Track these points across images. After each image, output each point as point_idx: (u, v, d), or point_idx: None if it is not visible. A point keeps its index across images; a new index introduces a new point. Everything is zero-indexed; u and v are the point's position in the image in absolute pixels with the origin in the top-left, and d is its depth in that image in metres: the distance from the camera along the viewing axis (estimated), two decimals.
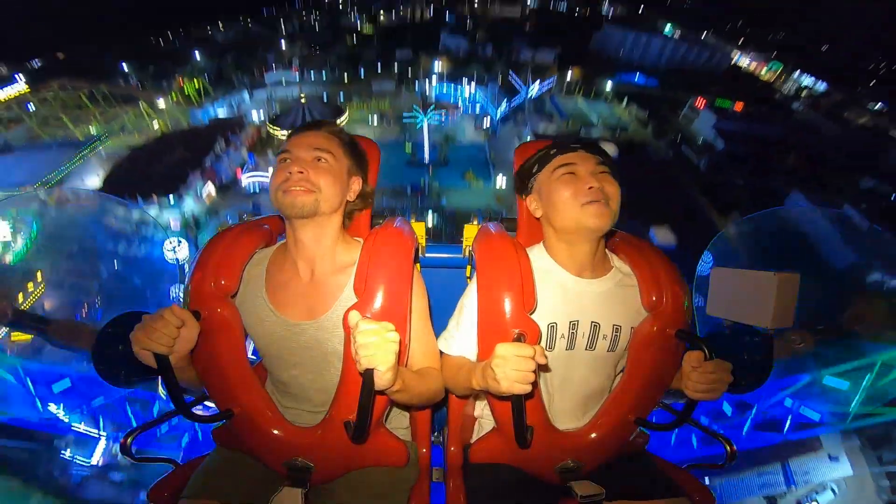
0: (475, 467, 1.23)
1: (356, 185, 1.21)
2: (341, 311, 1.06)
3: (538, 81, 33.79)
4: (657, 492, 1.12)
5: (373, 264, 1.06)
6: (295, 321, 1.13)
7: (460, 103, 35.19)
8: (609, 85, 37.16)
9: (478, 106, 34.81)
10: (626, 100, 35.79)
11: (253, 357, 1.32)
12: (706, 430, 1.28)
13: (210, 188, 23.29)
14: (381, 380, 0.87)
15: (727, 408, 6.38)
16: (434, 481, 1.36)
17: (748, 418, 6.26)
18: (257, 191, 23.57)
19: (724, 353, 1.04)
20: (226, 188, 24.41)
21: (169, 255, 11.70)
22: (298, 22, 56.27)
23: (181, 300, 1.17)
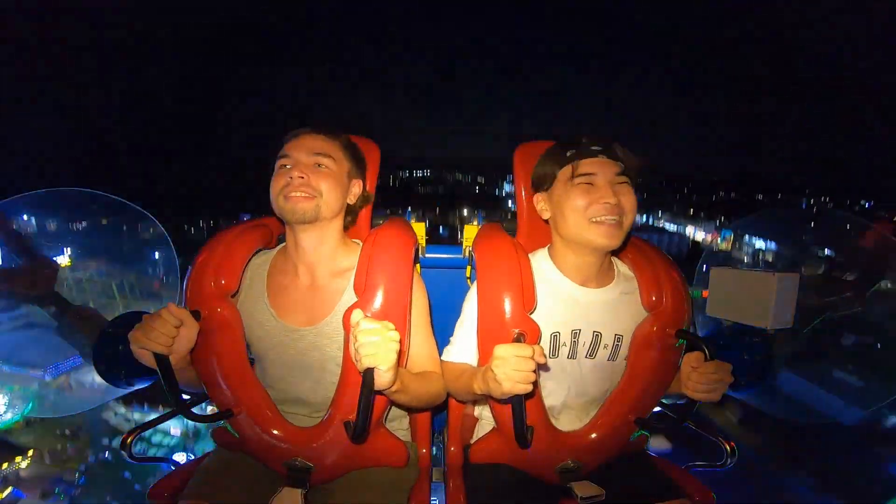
0: (475, 467, 1.23)
1: (356, 188, 1.20)
2: (340, 317, 1.05)
3: None
4: (657, 492, 1.11)
5: (373, 264, 1.06)
6: (295, 327, 1.13)
7: None
8: None
9: None
10: None
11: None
12: (706, 430, 1.27)
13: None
14: (382, 379, 0.87)
15: None
16: (434, 481, 1.36)
17: None
18: None
19: (724, 353, 1.03)
20: None
21: None
22: None
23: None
